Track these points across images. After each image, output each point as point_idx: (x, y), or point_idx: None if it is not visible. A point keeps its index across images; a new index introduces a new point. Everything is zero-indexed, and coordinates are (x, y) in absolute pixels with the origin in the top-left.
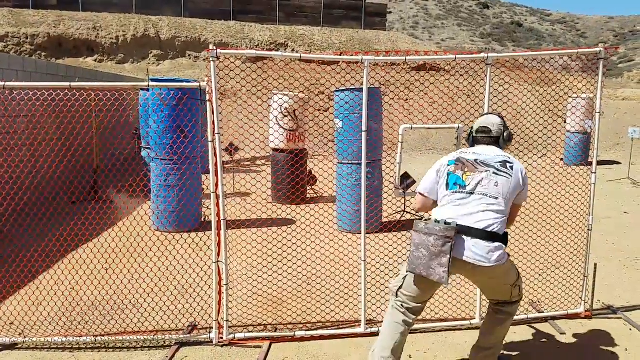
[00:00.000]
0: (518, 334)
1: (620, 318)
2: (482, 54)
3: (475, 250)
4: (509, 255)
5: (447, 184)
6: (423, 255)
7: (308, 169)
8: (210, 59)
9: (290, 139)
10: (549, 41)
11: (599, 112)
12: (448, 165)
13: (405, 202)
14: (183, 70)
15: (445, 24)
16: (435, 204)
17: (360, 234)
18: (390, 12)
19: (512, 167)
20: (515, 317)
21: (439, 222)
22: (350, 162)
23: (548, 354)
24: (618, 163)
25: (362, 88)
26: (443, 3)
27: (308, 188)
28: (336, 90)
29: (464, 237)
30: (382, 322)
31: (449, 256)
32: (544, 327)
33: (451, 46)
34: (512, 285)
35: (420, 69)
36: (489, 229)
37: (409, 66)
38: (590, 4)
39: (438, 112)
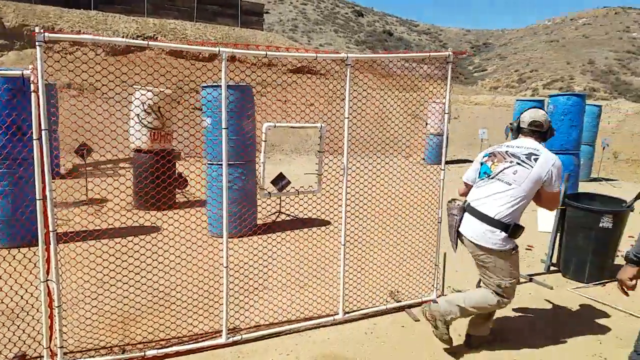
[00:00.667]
0: (378, 324)
1: None
2: (342, 54)
3: (473, 227)
4: (514, 250)
5: (479, 173)
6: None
7: (177, 171)
8: (37, 43)
9: (155, 138)
10: (415, 50)
11: (448, 113)
12: (483, 157)
13: (280, 203)
14: (33, 62)
15: (323, 29)
16: None
17: (234, 238)
18: (268, 12)
19: (536, 160)
20: (375, 309)
21: (453, 200)
22: (219, 162)
23: (402, 342)
24: (470, 161)
25: (236, 85)
26: (321, 8)
27: (179, 192)
28: (203, 86)
29: (468, 215)
30: (246, 329)
31: (454, 229)
32: (402, 316)
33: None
34: (496, 283)
35: (298, 71)
36: (488, 213)
37: (286, 67)
38: (451, 17)
39: (314, 114)
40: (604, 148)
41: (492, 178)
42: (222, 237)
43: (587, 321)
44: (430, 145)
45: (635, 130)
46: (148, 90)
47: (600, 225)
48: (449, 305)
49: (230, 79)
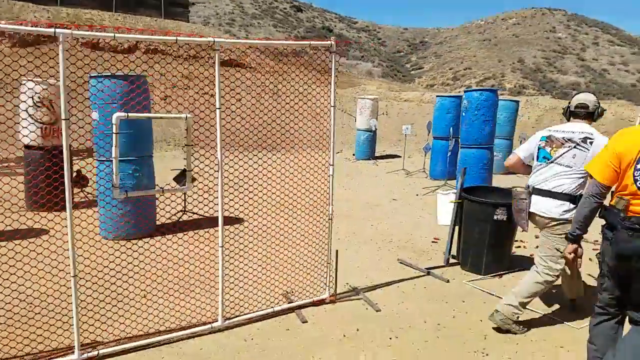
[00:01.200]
0: (262, 329)
1: (361, 299)
2: (209, 38)
3: (540, 204)
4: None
5: (537, 157)
6: (513, 212)
7: (76, 168)
8: None
9: (47, 134)
10: (355, 47)
11: (333, 106)
12: (540, 140)
13: (185, 201)
14: None
15: (261, 24)
16: (524, 166)
17: (127, 240)
18: (194, 4)
19: (591, 143)
20: (261, 312)
21: (515, 188)
22: (109, 159)
23: (282, 347)
24: (399, 156)
25: (125, 75)
26: (259, 3)
27: (78, 191)
28: (91, 76)
29: (536, 196)
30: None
31: (525, 211)
32: (291, 318)
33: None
34: (551, 253)
35: (226, 64)
36: (554, 189)
37: (213, 60)
38: (389, 15)
39: (247, 107)
40: (521, 142)
41: (552, 162)
42: (113, 240)
43: (476, 315)
44: (359, 141)
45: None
46: (39, 82)
47: (495, 217)
48: (510, 308)
49: (156, 71)
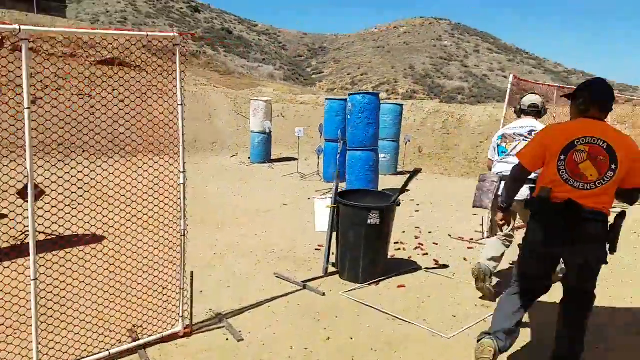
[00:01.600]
0: None
1: (223, 326)
2: (14, 26)
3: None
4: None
5: (498, 153)
6: (477, 194)
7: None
8: None
9: None
10: (256, 50)
11: (181, 104)
12: (497, 140)
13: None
14: None
15: (156, 23)
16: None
17: None
18: (81, 1)
19: (534, 133)
20: (93, 358)
21: (483, 175)
22: None
23: None
24: (295, 159)
25: None
26: (153, 1)
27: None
28: None
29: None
30: None
31: (492, 192)
32: None
33: (166, 46)
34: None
35: (107, 62)
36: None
37: (93, 58)
38: (289, 19)
39: (130, 108)
40: (406, 143)
41: (509, 155)
42: None
43: (347, 332)
44: (254, 144)
45: (435, 127)
46: None
47: (369, 222)
48: (492, 263)
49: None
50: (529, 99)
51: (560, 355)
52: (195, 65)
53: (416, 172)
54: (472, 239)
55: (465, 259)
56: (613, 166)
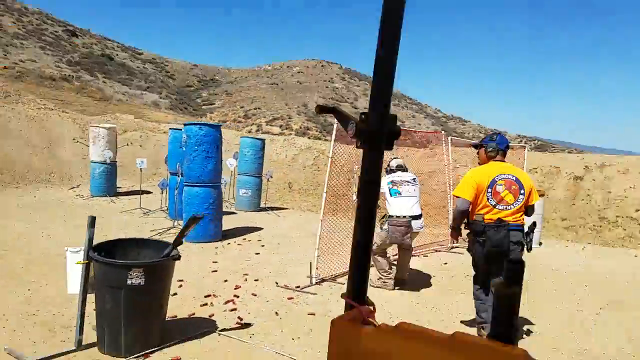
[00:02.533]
0: None
1: None
2: None
3: (416, 225)
4: None
5: (391, 194)
6: (398, 235)
7: None
8: None
9: None
10: (140, 77)
11: None
12: (388, 184)
13: None
14: None
15: (25, 44)
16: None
17: None
18: None
19: (416, 180)
20: None
21: (402, 217)
22: None
23: None
24: (149, 192)
25: None
26: (23, 22)
27: None
28: None
29: (413, 220)
30: None
31: (410, 232)
32: None
33: (31, 68)
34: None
35: None
36: (418, 213)
37: None
38: (178, 50)
39: None
40: (268, 179)
41: (404, 196)
42: None
43: None
44: (93, 175)
45: (307, 163)
46: None
47: (129, 282)
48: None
49: None
50: (395, 163)
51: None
52: (67, 90)
53: (195, 219)
54: (298, 287)
55: (277, 313)
56: (522, 191)
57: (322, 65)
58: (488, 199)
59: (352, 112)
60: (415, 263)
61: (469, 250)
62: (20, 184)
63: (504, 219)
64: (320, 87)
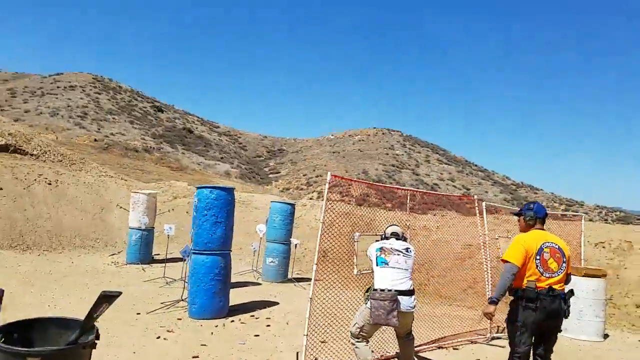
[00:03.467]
0: None
1: None
2: None
3: (405, 303)
4: None
5: (377, 263)
6: (382, 313)
7: None
8: None
9: None
10: (215, 149)
11: None
12: (376, 252)
13: None
14: None
15: (116, 119)
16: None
17: None
18: (44, 95)
19: (410, 251)
20: None
21: (386, 290)
22: None
23: None
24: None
25: None
26: (117, 99)
27: None
28: None
29: (400, 296)
30: None
31: (397, 311)
32: None
33: (120, 142)
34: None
35: (1, 149)
36: (406, 288)
37: None
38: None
39: (8, 200)
40: (295, 247)
41: (393, 267)
42: None
43: None
44: (130, 242)
45: (343, 230)
46: None
47: None
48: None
49: None
50: (391, 230)
51: None
52: (147, 160)
53: (106, 298)
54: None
55: None
56: (564, 259)
57: (382, 133)
58: (537, 266)
59: (412, 179)
60: (435, 356)
61: (509, 320)
62: (66, 249)
63: (553, 287)
64: (381, 154)
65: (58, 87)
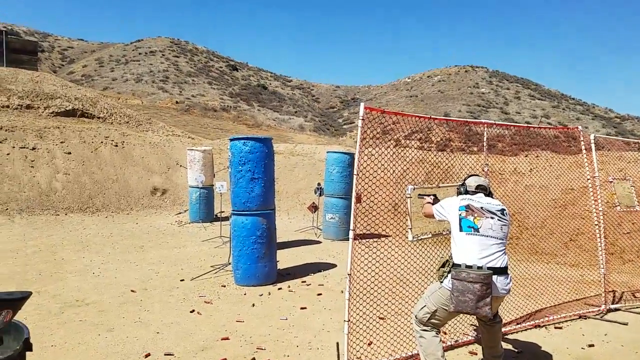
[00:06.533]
0: None
1: None
2: None
3: (500, 285)
4: None
5: (461, 227)
6: (470, 299)
7: None
8: None
9: None
10: (289, 103)
11: None
12: (459, 211)
13: None
14: None
15: (196, 81)
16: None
17: None
18: (43, 51)
19: (506, 213)
20: None
21: (475, 268)
22: None
23: None
24: None
25: None
26: (194, 61)
27: None
28: None
29: (494, 276)
30: None
31: (490, 297)
32: None
33: (200, 102)
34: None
35: (69, 114)
36: (504, 266)
37: (52, 111)
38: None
39: (77, 164)
40: (318, 194)
41: (482, 234)
42: None
43: None
44: (192, 200)
45: (417, 179)
46: None
47: None
48: None
49: None
50: (475, 181)
51: None
52: (225, 119)
53: (10, 302)
54: None
55: None
56: None
57: (465, 71)
58: None
59: (501, 118)
60: (532, 338)
61: None
62: (134, 210)
63: None
64: (464, 95)
65: (139, 54)
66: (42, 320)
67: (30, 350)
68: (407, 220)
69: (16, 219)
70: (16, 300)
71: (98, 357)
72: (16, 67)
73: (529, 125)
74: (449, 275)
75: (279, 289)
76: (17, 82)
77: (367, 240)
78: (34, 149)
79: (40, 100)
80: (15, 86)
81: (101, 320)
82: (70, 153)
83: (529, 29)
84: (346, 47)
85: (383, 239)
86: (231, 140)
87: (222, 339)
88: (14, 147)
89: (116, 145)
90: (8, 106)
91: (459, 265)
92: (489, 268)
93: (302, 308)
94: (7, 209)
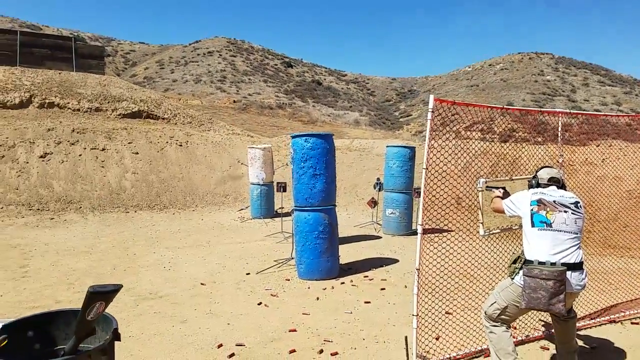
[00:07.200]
0: None
1: None
2: None
3: (574, 281)
4: None
5: (533, 222)
6: (542, 296)
7: None
8: None
9: None
10: (344, 98)
11: None
12: (532, 205)
13: None
14: None
15: (252, 80)
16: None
17: None
18: (109, 55)
19: (580, 206)
20: None
21: (548, 264)
22: None
23: None
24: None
25: None
26: (250, 60)
27: None
28: None
29: (568, 272)
30: None
31: (564, 293)
32: None
33: (256, 101)
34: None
35: (135, 115)
36: (579, 261)
37: (119, 113)
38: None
39: (144, 163)
40: (378, 189)
41: (555, 229)
42: None
43: None
44: (252, 197)
45: (482, 171)
46: None
47: None
48: None
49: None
50: (547, 173)
51: None
52: (281, 116)
53: (104, 294)
54: None
55: None
56: None
57: (529, 58)
58: None
59: (568, 107)
60: (607, 334)
61: None
62: (198, 206)
63: None
64: (528, 82)
65: (198, 55)
66: (118, 312)
67: (119, 340)
68: (478, 214)
69: (89, 217)
70: (109, 293)
71: (173, 347)
72: (85, 71)
73: (605, 114)
74: (521, 272)
75: (342, 283)
76: (87, 86)
77: (431, 234)
78: (103, 149)
79: (108, 103)
80: (84, 90)
81: (174, 312)
82: (137, 153)
83: (596, 14)
84: (402, 38)
85: (445, 233)
86: (293, 137)
87: (290, 330)
88: (85, 148)
89: (180, 145)
90: (79, 109)
91: (531, 262)
92: (563, 264)
93: (366, 302)
94: (80, 207)
